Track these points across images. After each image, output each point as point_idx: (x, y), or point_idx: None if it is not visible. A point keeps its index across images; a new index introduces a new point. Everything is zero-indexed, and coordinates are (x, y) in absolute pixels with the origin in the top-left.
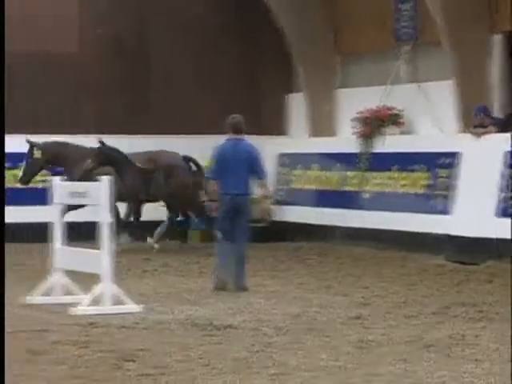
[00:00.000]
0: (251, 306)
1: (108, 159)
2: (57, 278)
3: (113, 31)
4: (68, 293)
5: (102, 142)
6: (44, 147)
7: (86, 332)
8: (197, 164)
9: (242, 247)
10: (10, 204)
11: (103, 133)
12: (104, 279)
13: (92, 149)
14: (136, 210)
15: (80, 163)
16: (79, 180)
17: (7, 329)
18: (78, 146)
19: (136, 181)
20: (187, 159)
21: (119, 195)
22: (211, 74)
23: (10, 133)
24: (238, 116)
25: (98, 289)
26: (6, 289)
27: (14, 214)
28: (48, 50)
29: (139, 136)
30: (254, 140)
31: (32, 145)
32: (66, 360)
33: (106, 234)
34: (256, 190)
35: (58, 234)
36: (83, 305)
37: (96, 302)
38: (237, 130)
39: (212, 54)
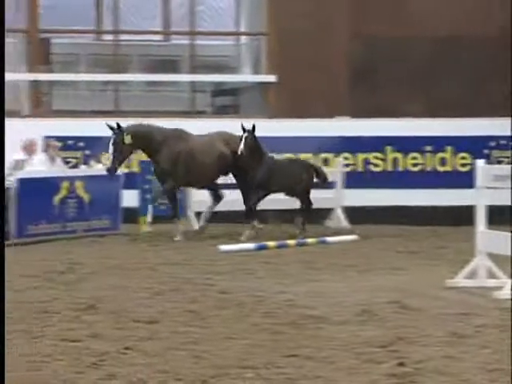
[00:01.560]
0: None
1: (253, 146)
2: (480, 261)
3: None
4: (491, 276)
5: (247, 129)
6: (134, 131)
7: (510, 316)
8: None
9: None
10: (428, 187)
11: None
12: None
13: (171, 129)
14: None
15: (163, 146)
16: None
17: (433, 310)
18: (160, 127)
19: (266, 170)
20: None
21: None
22: None
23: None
24: None
25: None
26: (430, 270)
27: (432, 198)
28: (466, 34)
29: None
30: None
31: (120, 129)
32: (490, 344)
33: None
34: None
35: (481, 217)
36: (507, 289)
37: None
38: None
39: None
